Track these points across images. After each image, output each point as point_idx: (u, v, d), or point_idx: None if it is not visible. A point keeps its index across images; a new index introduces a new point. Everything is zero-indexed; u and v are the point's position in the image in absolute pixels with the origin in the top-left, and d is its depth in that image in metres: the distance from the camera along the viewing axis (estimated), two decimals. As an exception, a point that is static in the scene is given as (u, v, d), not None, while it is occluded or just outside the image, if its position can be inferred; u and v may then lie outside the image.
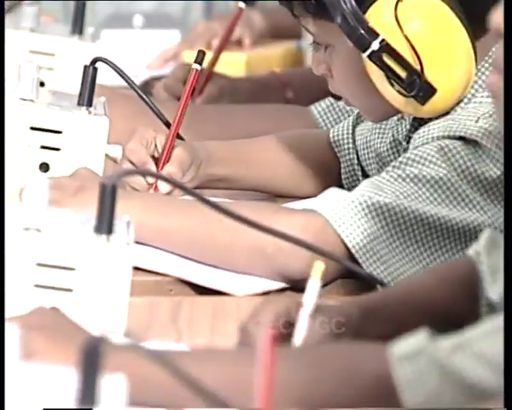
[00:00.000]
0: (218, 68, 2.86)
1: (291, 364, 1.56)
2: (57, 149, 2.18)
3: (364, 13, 2.05)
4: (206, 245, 2.15)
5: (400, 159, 2.09)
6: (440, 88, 2.07)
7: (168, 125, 2.35)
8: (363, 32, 2.05)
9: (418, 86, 2.05)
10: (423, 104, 2.06)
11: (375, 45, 2.02)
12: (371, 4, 2.06)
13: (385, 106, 2.09)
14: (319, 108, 2.58)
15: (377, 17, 2.07)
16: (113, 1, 3.43)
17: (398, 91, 2.05)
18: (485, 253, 1.80)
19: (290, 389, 1.54)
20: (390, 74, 2.05)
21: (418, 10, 2.12)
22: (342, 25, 2.06)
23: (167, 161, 2.30)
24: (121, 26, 3.18)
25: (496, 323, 1.49)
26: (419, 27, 2.08)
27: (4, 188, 2.18)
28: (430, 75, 2.06)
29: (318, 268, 1.54)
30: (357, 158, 2.40)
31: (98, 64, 2.27)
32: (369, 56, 2.04)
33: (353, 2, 2.05)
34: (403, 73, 2.03)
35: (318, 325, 1.76)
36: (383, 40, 2.03)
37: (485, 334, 1.50)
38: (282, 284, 2.06)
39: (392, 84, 2.05)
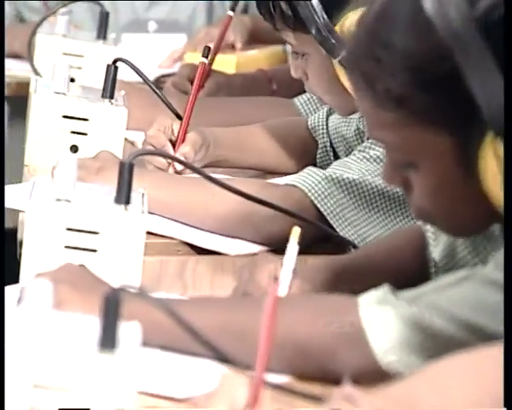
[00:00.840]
0: (213, 68, 2.91)
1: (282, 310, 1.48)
2: (85, 134, 2.25)
3: (335, 26, 2.07)
4: (203, 215, 2.16)
5: (364, 144, 2.13)
6: None
7: (176, 114, 2.39)
8: (334, 41, 2.06)
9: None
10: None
11: (344, 52, 1.95)
12: (340, 19, 2.08)
13: (351, 103, 2.06)
14: (301, 100, 2.60)
15: (345, 29, 2.07)
16: (130, 9, 3.42)
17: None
18: None
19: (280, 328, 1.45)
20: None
21: None
22: (317, 36, 2.08)
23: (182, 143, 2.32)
24: (138, 30, 3.18)
25: (443, 280, 1.56)
26: None
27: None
28: None
29: (296, 232, 1.54)
30: (330, 142, 2.42)
31: (119, 63, 2.34)
32: (340, 62, 2.05)
33: (326, 18, 2.06)
34: None
35: (298, 281, 1.76)
36: None
37: (436, 289, 1.54)
38: (266, 247, 2.07)
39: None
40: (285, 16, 2.12)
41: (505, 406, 1.18)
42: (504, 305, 1.23)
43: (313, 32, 2.07)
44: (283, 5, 2.11)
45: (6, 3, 3.30)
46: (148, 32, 3.06)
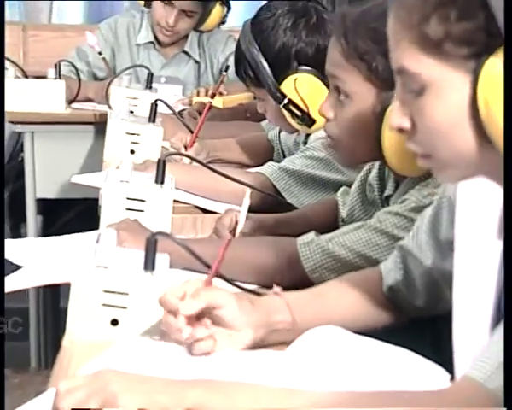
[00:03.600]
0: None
1: (240, 244, 1.54)
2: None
3: (280, 84, 2.00)
4: (209, 191, 2.06)
5: (301, 148, 2.10)
6: (319, 120, 1.93)
7: (190, 130, 2.36)
8: (278, 94, 2.01)
9: (306, 119, 2.01)
10: (310, 127, 2.02)
11: (286, 100, 2.00)
12: (283, 80, 2.00)
13: (290, 127, 2.09)
14: (264, 123, 2.51)
15: (286, 86, 2.01)
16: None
17: (297, 122, 2.03)
18: (341, 196, 1.80)
19: (240, 258, 1.50)
20: (293, 114, 2.02)
21: (305, 83, 1.99)
22: (268, 91, 2.04)
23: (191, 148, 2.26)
24: (155, 81, 2.82)
25: (347, 228, 1.53)
26: (305, 90, 1.99)
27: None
28: (312, 114, 1.99)
29: (248, 193, 1.38)
30: (281, 148, 2.37)
31: (158, 102, 2.31)
32: (283, 106, 2.02)
33: (273, 80, 1.99)
34: (299, 113, 2.01)
35: (251, 223, 1.72)
36: (289, 98, 2.00)
37: (342, 233, 1.52)
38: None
39: (294, 118, 2.03)
40: (251, 78, 2.06)
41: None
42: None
43: (266, 88, 2.03)
44: (250, 72, 2.04)
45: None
46: (160, 83, 2.94)
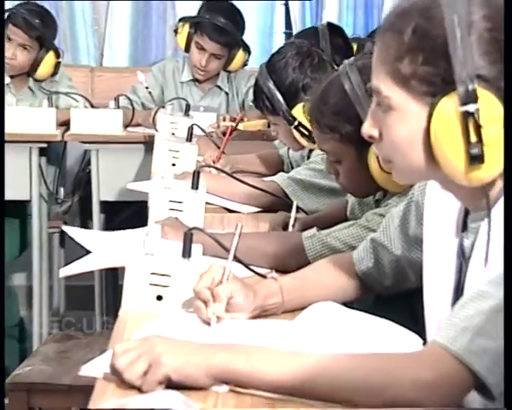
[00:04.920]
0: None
1: (256, 237, 1.56)
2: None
3: (291, 110, 1.97)
4: (232, 194, 2.00)
5: (306, 161, 2.07)
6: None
7: (218, 147, 2.35)
8: (290, 118, 1.97)
9: (311, 137, 1.86)
10: (314, 143, 1.84)
11: (296, 123, 1.96)
12: (294, 107, 1.96)
13: (299, 145, 2.04)
14: (276, 143, 2.43)
15: (296, 112, 1.96)
16: (191, 101, 2.96)
17: (305, 140, 1.97)
18: (349, 198, 1.69)
19: (251, 248, 1.44)
20: (302, 133, 1.96)
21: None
22: (282, 115, 2.00)
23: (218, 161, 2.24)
24: (195, 110, 2.81)
25: (342, 225, 1.50)
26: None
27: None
28: None
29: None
30: (290, 161, 2.31)
31: (195, 127, 2.32)
32: (294, 127, 1.97)
33: (286, 107, 1.97)
34: (306, 132, 1.94)
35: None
36: (299, 122, 1.96)
37: (338, 229, 1.50)
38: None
39: (302, 136, 1.97)
40: (267, 107, 2.03)
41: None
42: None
43: (280, 115, 2.01)
44: (266, 102, 2.01)
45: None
46: (199, 111, 2.88)
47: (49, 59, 2.87)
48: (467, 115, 0.92)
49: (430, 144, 0.96)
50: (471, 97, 0.92)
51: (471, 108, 0.92)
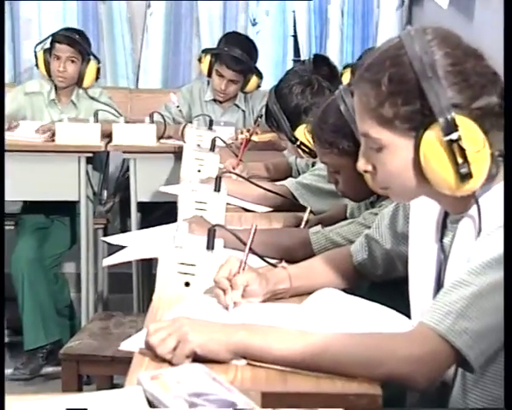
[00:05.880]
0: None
1: (270, 233, 1.54)
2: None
3: (294, 131, 1.91)
4: (248, 196, 1.96)
5: (312, 168, 2.05)
6: None
7: (236, 155, 2.32)
8: (292, 138, 1.92)
9: (312, 154, 1.85)
10: (314, 158, 1.86)
11: (298, 142, 1.91)
12: (296, 128, 1.90)
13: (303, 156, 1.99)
14: (285, 152, 2.35)
15: (298, 132, 1.91)
16: (213, 116, 2.88)
17: (306, 156, 1.94)
18: (348, 202, 1.65)
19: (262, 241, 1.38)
20: (303, 151, 1.91)
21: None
22: (285, 136, 1.95)
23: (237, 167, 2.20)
24: (216, 125, 2.75)
25: (343, 223, 1.49)
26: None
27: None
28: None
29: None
30: (297, 168, 2.25)
31: (216, 138, 2.29)
32: (297, 146, 1.91)
33: (290, 129, 1.92)
34: (307, 150, 1.89)
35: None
36: (301, 142, 1.90)
37: (339, 226, 1.49)
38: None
39: (304, 153, 1.92)
40: (275, 126, 1.99)
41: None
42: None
43: (284, 132, 1.96)
44: (274, 122, 1.97)
45: None
46: (220, 126, 2.80)
47: (92, 67, 2.90)
48: (451, 143, 0.93)
49: (421, 169, 0.97)
50: (451, 127, 0.93)
51: (454, 136, 0.93)
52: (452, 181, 0.94)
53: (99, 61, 2.96)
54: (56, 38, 2.86)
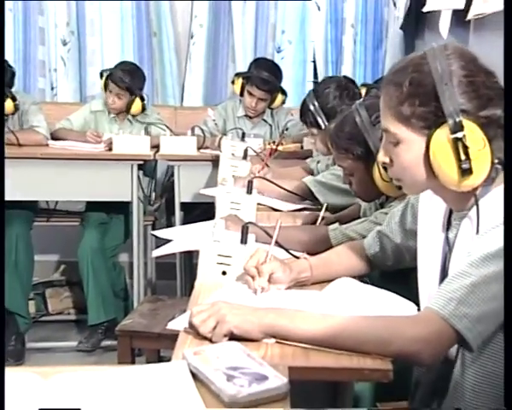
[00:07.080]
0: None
1: (293, 229, 1.50)
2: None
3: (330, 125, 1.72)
4: (274, 194, 1.95)
5: (331, 167, 2.00)
6: None
7: (262, 160, 2.30)
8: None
9: None
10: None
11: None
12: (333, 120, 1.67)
13: (329, 152, 1.82)
14: (308, 160, 2.36)
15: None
16: (245, 130, 2.85)
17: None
18: (362, 202, 1.63)
19: (288, 235, 1.38)
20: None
21: None
22: (321, 128, 1.91)
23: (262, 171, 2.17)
24: (247, 137, 2.74)
25: (357, 221, 1.45)
26: None
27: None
28: None
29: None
30: (317, 169, 2.21)
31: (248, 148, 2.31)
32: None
33: (326, 122, 1.88)
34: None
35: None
36: None
37: (356, 223, 1.46)
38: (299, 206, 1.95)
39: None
40: (311, 121, 1.95)
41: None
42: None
43: (322, 127, 1.92)
44: (311, 118, 1.93)
45: None
46: (250, 138, 2.75)
47: (137, 102, 2.91)
48: (456, 140, 0.94)
49: (430, 164, 0.96)
50: (458, 127, 0.94)
51: (459, 134, 0.93)
52: (455, 176, 0.94)
53: (143, 98, 2.93)
54: (111, 75, 2.89)
